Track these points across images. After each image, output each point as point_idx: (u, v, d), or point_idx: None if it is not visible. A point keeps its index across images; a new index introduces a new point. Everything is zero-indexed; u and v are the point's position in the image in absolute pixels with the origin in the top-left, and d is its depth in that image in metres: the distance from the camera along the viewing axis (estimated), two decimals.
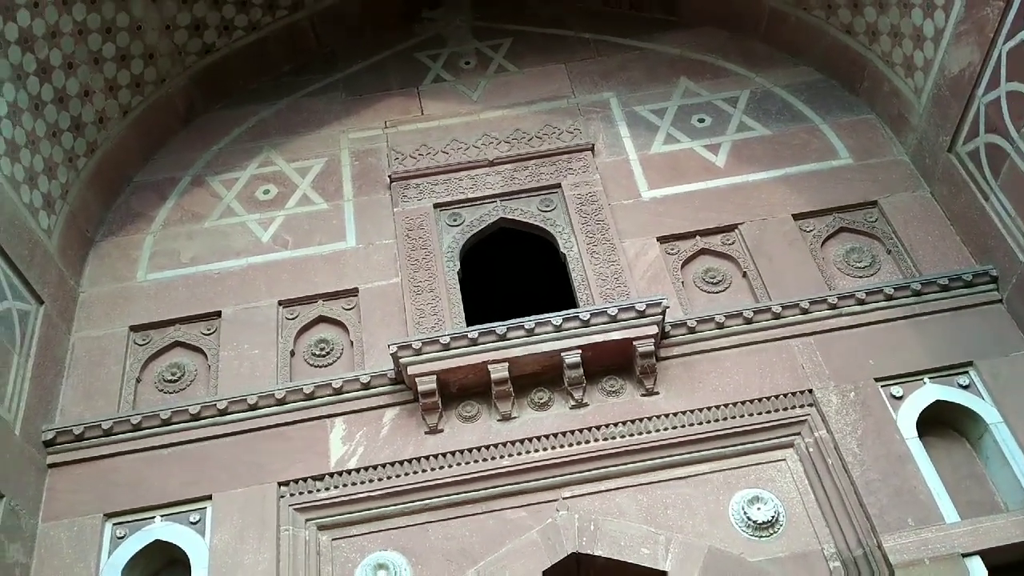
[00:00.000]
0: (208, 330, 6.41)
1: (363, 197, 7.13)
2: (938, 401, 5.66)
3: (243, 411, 5.83)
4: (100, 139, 7.08)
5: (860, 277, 6.34)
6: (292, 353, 6.26)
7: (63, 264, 6.49)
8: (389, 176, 7.09)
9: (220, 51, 7.86)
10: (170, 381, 6.18)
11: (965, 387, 5.70)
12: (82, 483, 5.64)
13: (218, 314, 6.46)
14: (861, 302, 6.04)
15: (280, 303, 6.47)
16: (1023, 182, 5.75)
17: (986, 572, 4.90)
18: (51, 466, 5.70)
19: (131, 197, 7.33)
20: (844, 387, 5.71)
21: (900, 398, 5.67)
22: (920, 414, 5.60)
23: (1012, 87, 5.75)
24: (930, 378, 5.76)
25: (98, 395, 6.07)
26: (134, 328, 6.42)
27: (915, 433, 5.52)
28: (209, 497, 5.53)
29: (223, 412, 5.81)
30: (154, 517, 5.52)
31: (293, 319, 6.42)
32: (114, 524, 5.50)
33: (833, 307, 6.04)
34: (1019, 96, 5.69)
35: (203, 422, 5.81)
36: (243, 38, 7.96)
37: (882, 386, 5.72)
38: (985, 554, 4.95)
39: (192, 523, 5.46)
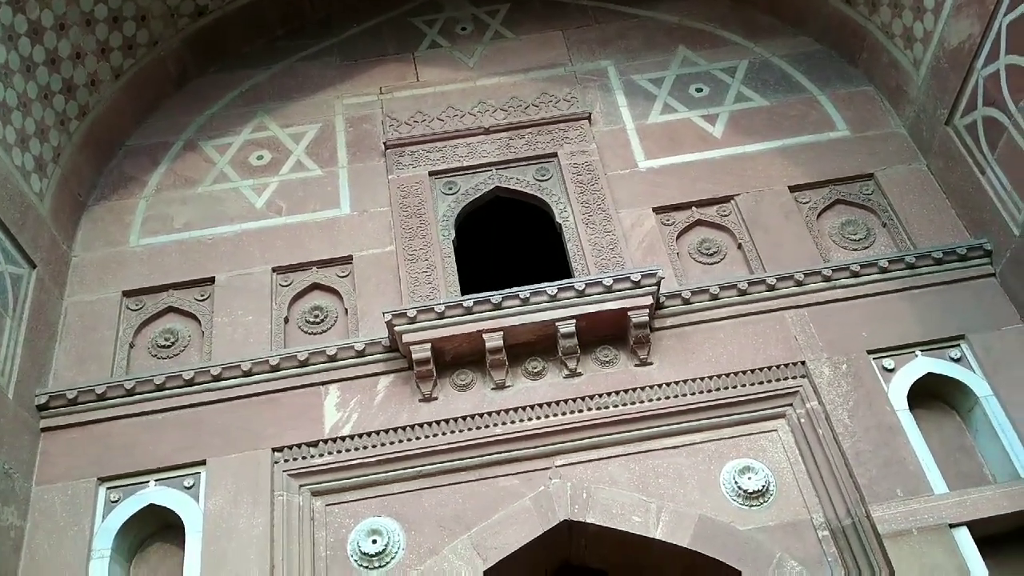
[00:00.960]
0: (201, 296, 6.39)
1: (357, 164, 7.08)
2: (929, 374, 5.69)
3: (237, 377, 5.83)
4: (92, 102, 7.00)
5: (855, 249, 6.35)
6: (286, 320, 6.25)
7: (55, 228, 6.45)
8: (384, 143, 7.03)
9: (213, 13, 7.76)
10: (163, 347, 6.17)
11: (956, 360, 5.73)
12: (76, 447, 5.65)
13: (211, 280, 6.44)
14: (855, 274, 6.05)
15: (274, 270, 6.45)
16: (1020, 156, 5.74)
17: (973, 542, 4.96)
18: (44, 430, 5.71)
19: (123, 161, 7.26)
20: (836, 359, 5.74)
21: (892, 370, 5.71)
22: (911, 386, 5.64)
23: (1011, 60, 5.72)
24: (922, 351, 5.79)
25: (91, 360, 6.06)
26: (127, 293, 6.40)
27: (906, 405, 5.56)
28: (203, 462, 5.55)
29: (217, 378, 5.82)
30: (148, 481, 5.54)
31: (287, 286, 6.41)
32: (108, 488, 5.51)
33: (827, 279, 6.05)
34: (1018, 69, 5.66)
35: (197, 388, 5.81)
36: (236, 0, 7.84)
37: (874, 358, 5.75)
38: (972, 525, 5.01)
39: (186, 488, 5.49)
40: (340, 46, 8.01)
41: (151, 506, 5.44)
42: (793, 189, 6.64)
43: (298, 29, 8.15)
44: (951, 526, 5.01)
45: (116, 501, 5.46)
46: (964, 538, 4.97)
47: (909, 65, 6.81)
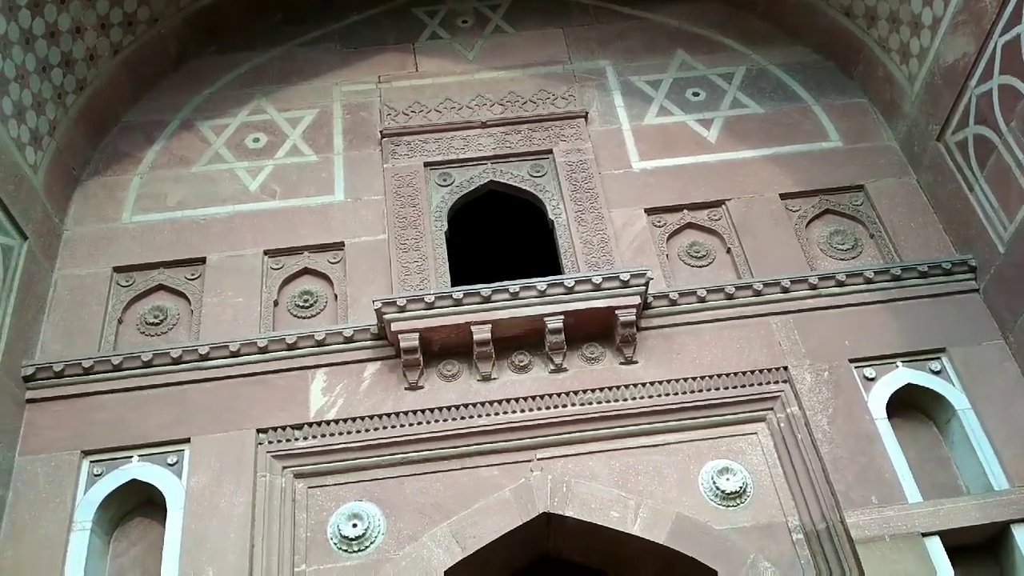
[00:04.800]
0: (192, 275, 6.40)
1: (353, 151, 7.10)
2: (909, 384, 5.78)
3: (225, 357, 5.86)
4: (90, 77, 6.99)
5: (842, 259, 6.43)
6: (276, 303, 6.27)
7: (48, 201, 6.44)
8: (381, 132, 7.06)
9: None
10: (152, 324, 6.18)
11: (936, 372, 5.82)
12: (61, 420, 5.66)
13: (203, 260, 6.44)
14: (841, 284, 6.12)
15: (266, 253, 6.47)
16: (1008, 174, 5.83)
17: (944, 551, 5.05)
18: (30, 401, 5.71)
19: (119, 137, 7.26)
20: (819, 366, 5.82)
21: (872, 379, 5.79)
22: (891, 396, 5.72)
23: (1005, 80, 5.81)
24: (903, 362, 5.87)
25: (79, 334, 6.06)
26: (118, 269, 6.40)
27: (884, 414, 5.65)
28: (187, 440, 5.57)
29: (205, 357, 5.83)
30: (132, 457, 5.55)
31: (278, 269, 6.43)
32: (91, 461, 5.52)
33: (813, 287, 6.12)
34: (1011, 90, 5.75)
35: (184, 366, 5.83)
36: None
37: (856, 367, 5.83)
38: (945, 534, 5.10)
39: (170, 464, 5.51)
40: (340, 33, 8.02)
41: (134, 481, 5.46)
42: (784, 197, 6.71)
43: (298, 14, 8.14)
44: (923, 535, 5.10)
45: (99, 475, 5.47)
46: (935, 547, 5.06)
47: (904, 80, 6.89)
